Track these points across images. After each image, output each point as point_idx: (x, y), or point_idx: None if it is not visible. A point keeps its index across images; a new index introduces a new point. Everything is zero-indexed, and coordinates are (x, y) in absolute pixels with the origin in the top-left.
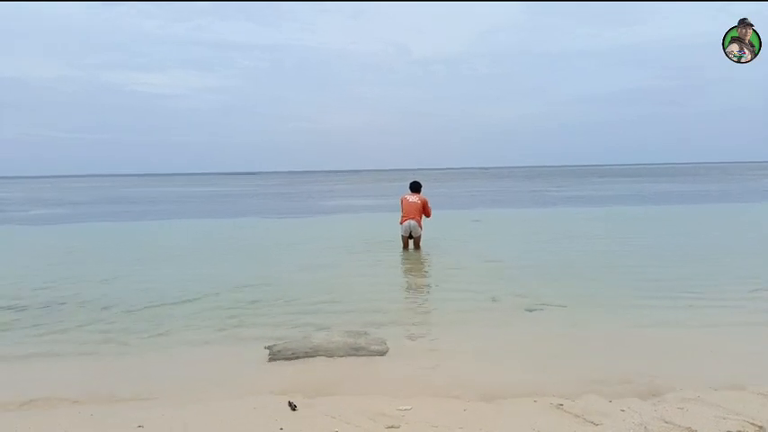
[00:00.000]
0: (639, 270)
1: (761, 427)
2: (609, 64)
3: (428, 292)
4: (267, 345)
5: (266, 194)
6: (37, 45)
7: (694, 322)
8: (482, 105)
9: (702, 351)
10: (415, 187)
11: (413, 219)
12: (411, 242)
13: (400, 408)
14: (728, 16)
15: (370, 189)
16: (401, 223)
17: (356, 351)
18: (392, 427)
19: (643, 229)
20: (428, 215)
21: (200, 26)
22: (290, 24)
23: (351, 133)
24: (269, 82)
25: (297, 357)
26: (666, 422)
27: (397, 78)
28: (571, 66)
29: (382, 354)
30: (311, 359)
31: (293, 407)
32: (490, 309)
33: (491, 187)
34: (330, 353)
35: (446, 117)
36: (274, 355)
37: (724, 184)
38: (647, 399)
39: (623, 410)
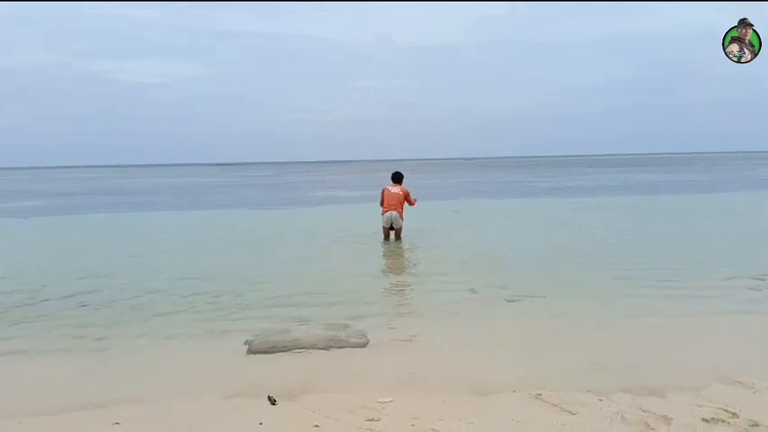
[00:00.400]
0: (619, 260)
1: (734, 414)
2: (606, 52)
3: (408, 283)
4: (247, 339)
5: (256, 186)
6: (23, 32)
7: (674, 311)
8: (472, 96)
9: (681, 340)
10: (397, 178)
11: (394, 210)
12: (392, 233)
13: (380, 400)
14: (728, 16)
15: (358, 180)
16: (382, 214)
17: (336, 344)
18: (372, 419)
19: (626, 220)
20: (412, 204)
21: (188, 14)
22: (286, 16)
23: (341, 124)
24: (254, 72)
25: (276, 351)
26: (643, 411)
27: (386, 69)
28: (568, 55)
29: (362, 346)
30: (291, 353)
31: (273, 401)
32: (470, 300)
33: (475, 178)
34: (310, 346)
35: (434, 108)
36: (253, 349)
37: (712, 174)
38: (625, 387)
39: (601, 399)
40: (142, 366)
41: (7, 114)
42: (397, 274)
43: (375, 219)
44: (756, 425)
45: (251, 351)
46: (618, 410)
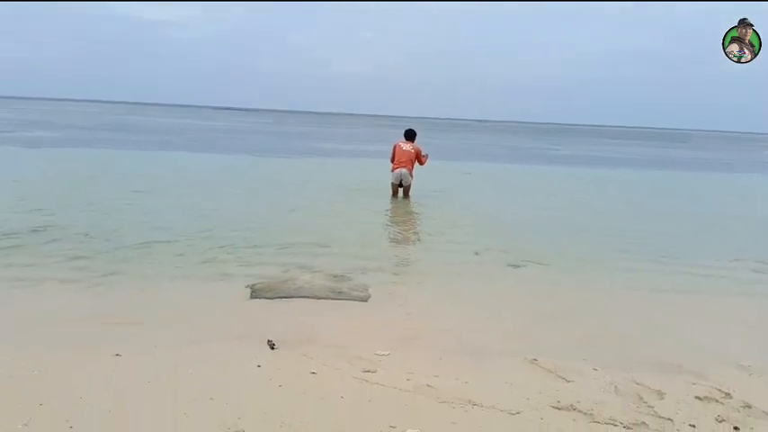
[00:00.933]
0: (628, 232)
1: (728, 394)
2: (630, 21)
3: (413, 241)
4: (250, 284)
5: (267, 132)
6: None
7: (676, 288)
8: (487, 58)
9: (680, 318)
10: (410, 135)
11: (404, 167)
12: (401, 190)
13: (378, 353)
14: None
15: (370, 134)
16: (392, 171)
17: (338, 295)
18: (368, 371)
19: (639, 194)
20: (422, 163)
21: None
22: None
23: (355, 76)
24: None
25: (278, 297)
26: (637, 383)
27: (404, 25)
28: (592, 19)
29: (364, 300)
30: (293, 300)
31: (272, 345)
32: (473, 262)
33: (487, 141)
34: (312, 295)
35: (452, 67)
36: (256, 294)
37: (738, 153)
38: (621, 359)
39: (596, 369)
40: (145, 304)
41: (24, 43)
42: (403, 231)
43: (385, 174)
44: (749, 406)
45: (254, 296)
46: (612, 381)
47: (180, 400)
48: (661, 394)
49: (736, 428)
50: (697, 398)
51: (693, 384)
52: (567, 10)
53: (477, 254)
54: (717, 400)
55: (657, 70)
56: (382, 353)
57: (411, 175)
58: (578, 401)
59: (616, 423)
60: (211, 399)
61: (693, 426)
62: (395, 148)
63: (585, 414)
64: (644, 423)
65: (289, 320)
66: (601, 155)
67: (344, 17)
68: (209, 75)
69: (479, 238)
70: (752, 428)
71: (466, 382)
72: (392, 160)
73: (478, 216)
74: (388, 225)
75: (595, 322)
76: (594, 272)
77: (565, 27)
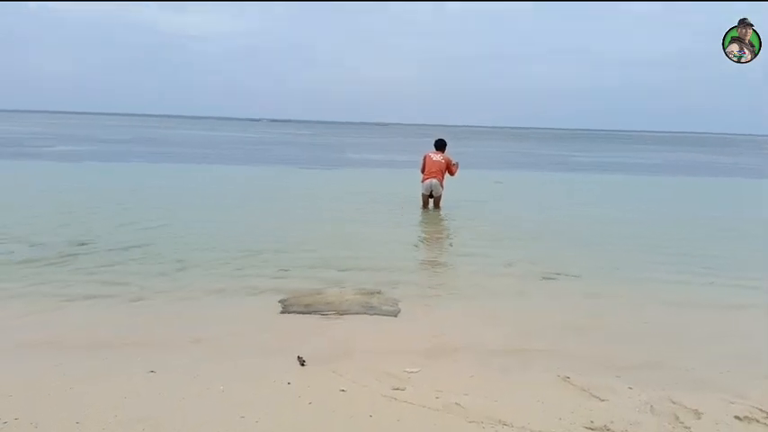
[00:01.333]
0: (661, 242)
1: None
2: (660, 25)
3: (444, 253)
4: (281, 298)
5: (301, 144)
6: None
7: (712, 301)
8: (516, 63)
9: (717, 332)
10: (440, 145)
11: (435, 177)
12: (431, 201)
13: (408, 370)
14: None
15: (402, 144)
16: (423, 181)
17: (368, 310)
18: (398, 388)
19: (671, 201)
20: (452, 174)
21: None
22: None
23: (381, 84)
24: (297, 27)
25: (309, 312)
26: (674, 402)
27: (432, 30)
28: (619, 25)
29: (394, 315)
30: (323, 315)
31: (302, 362)
32: (505, 275)
33: (517, 149)
34: (342, 310)
35: (475, 72)
36: (287, 309)
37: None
38: (657, 377)
39: (630, 387)
40: (179, 319)
41: (62, 61)
42: (433, 243)
43: (416, 185)
44: None
45: (285, 311)
46: (647, 400)
47: (211, 419)
48: (698, 414)
49: None
50: (737, 417)
51: (732, 403)
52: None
53: (509, 266)
54: (758, 421)
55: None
56: (412, 370)
57: (441, 186)
58: (612, 421)
59: None
60: (242, 417)
61: None
62: (425, 158)
63: None
64: None
65: (319, 336)
66: (634, 161)
67: (364, 23)
68: (240, 86)
69: (511, 250)
70: None
71: (496, 401)
72: (422, 171)
73: (509, 227)
74: (418, 237)
75: (629, 338)
76: (628, 283)
77: (584, 29)
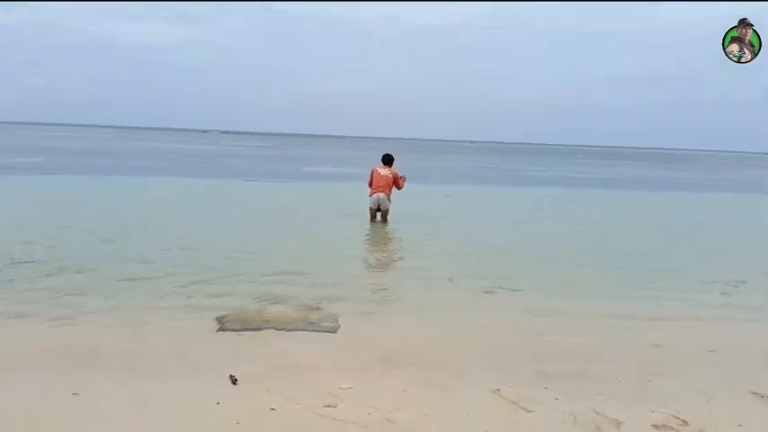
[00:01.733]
0: (606, 256)
1: (685, 422)
2: (633, 45)
3: (388, 268)
4: (218, 315)
5: (252, 156)
6: None
7: (646, 314)
8: (480, 80)
9: (645, 344)
10: (387, 160)
11: (382, 192)
12: (379, 215)
13: (342, 386)
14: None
15: (353, 156)
16: (370, 195)
17: (307, 326)
18: (330, 405)
19: (624, 216)
20: (400, 187)
21: None
22: None
23: (337, 97)
24: (260, 41)
25: (247, 329)
26: (597, 413)
27: (392, 48)
28: (592, 46)
29: (333, 331)
30: (261, 332)
31: (234, 380)
32: (447, 289)
33: (475, 163)
34: (281, 326)
35: (440, 87)
36: (224, 326)
37: (734, 173)
38: (583, 388)
39: (557, 398)
40: (109, 338)
41: (6, 69)
42: (378, 257)
43: (363, 199)
44: None
45: (222, 328)
46: (572, 410)
47: None
48: (618, 424)
49: None
50: (654, 426)
51: (652, 413)
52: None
53: (451, 281)
54: (673, 428)
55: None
56: (346, 386)
57: (389, 200)
58: None
59: None
60: None
61: None
62: (372, 172)
63: None
64: None
65: (254, 353)
66: (591, 176)
67: (332, 39)
68: (205, 98)
69: (455, 265)
70: None
71: (426, 416)
72: (370, 185)
73: (456, 241)
74: (363, 251)
75: (560, 350)
76: (568, 297)
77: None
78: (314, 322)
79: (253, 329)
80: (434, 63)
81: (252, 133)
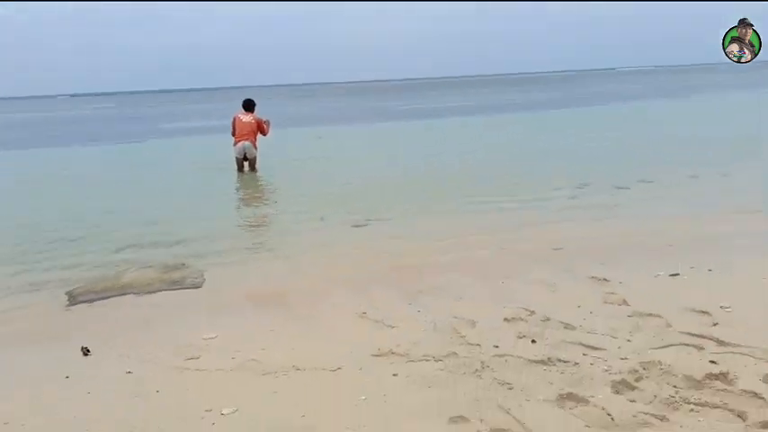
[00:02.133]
0: (467, 178)
1: (533, 311)
2: None
3: (258, 217)
4: (69, 289)
5: (102, 118)
6: None
7: (502, 225)
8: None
9: (502, 251)
10: (248, 105)
11: (247, 140)
12: (246, 164)
13: (204, 337)
14: None
15: (209, 110)
16: (235, 145)
17: (170, 286)
18: (192, 358)
19: (479, 139)
20: (265, 133)
21: None
22: None
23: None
24: None
25: (102, 298)
26: (455, 317)
27: None
28: None
29: (198, 286)
30: (118, 299)
31: (86, 352)
32: (317, 228)
33: (339, 104)
34: (140, 290)
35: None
36: (76, 299)
37: (561, 91)
38: (443, 299)
39: (419, 311)
40: None
41: None
42: (248, 208)
43: (228, 150)
44: (548, 319)
45: (73, 302)
46: (432, 320)
47: None
48: (473, 323)
49: (533, 341)
50: (505, 319)
51: (504, 308)
52: None
53: (322, 219)
54: (522, 318)
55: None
56: (209, 336)
57: (255, 147)
58: (398, 345)
59: (429, 358)
60: (6, 423)
61: (497, 346)
62: (234, 120)
63: (402, 356)
64: (454, 353)
65: (109, 322)
66: (440, 105)
67: None
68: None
69: (327, 205)
70: (547, 338)
71: (293, 349)
72: (233, 134)
73: (327, 181)
74: (231, 204)
75: (424, 269)
76: (430, 219)
77: None
78: (177, 281)
79: (109, 296)
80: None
81: (107, 94)
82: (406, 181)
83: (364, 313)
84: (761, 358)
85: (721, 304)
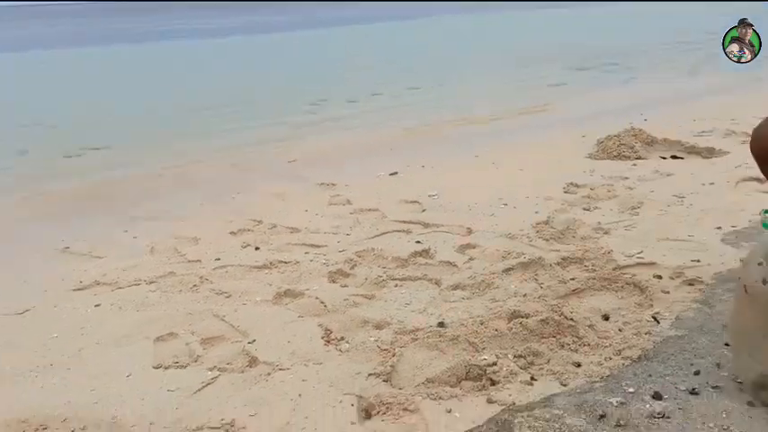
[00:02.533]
0: (190, 104)
1: (260, 222)
2: None
3: None
4: None
5: None
6: None
7: (215, 145)
8: None
9: (232, 169)
10: None
11: None
12: None
13: None
14: None
15: None
16: None
17: None
18: None
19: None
20: None
21: None
22: None
23: None
24: None
25: None
26: (176, 237)
27: None
28: None
29: None
30: None
31: None
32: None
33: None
34: None
35: None
36: None
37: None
38: (163, 222)
39: (135, 237)
40: None
41: None
42: None
43: None
44: (275, 226)
45: None
46: (150, 243)
47: None
48: (197, 240)
49: (257, 248)
50: (231, 233)
51: (231, 222)
52: None
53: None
54: (249, 230)
55: None
56: None
57: None
58: (104, 275)
59: (140, 282)
60: None
61: (218, 259)
62: None
63: (109, 284)
64: (172, 272)
65: None
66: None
67: None
68: None
69: (28, 139)
70: (272, 244)
71: None
72: None
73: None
74: None
75: (142, 195)
76: (162, 148)
77: None
78: None
79: None
80: None
81: None
82: (115, 106)
83: (67, 248)
84: (457, 233)
85: (429, 193)
